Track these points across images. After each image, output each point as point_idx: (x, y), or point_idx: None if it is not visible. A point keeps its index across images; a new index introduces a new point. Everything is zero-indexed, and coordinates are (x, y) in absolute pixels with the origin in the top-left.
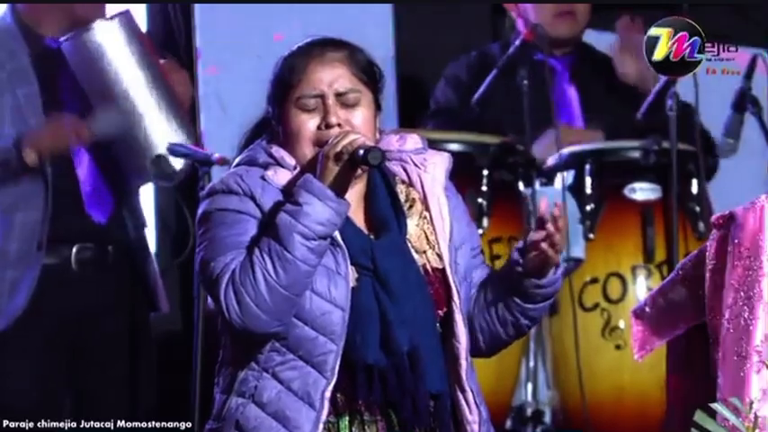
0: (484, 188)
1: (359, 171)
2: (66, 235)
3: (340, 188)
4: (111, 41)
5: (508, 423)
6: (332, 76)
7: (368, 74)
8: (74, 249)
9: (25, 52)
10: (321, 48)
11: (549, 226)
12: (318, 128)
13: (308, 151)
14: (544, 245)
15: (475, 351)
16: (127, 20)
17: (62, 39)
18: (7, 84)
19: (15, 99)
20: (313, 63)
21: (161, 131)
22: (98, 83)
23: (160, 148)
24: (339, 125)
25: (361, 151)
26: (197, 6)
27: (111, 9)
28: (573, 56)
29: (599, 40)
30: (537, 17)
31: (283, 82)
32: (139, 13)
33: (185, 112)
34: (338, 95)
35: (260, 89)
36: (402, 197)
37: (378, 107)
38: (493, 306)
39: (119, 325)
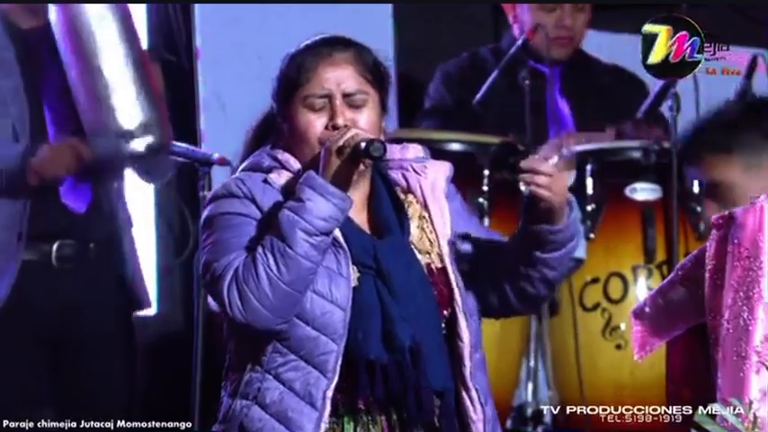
0: (485, 188)
1: (361, 166)
2: (47, 230)
3: (342, 184)
4: (101, 18)
5: (508, 423)
6: (340, 77)
7: (375, 74)
8: (54, 246)
9: (9, 48)
10: (329, 47)
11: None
12: (326, 128)
13: (314, 150)
14: (539, 190)
15: (508, 310)
16: (121, 7)
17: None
18: None
19: None
20: (322, 63)
21: (133, 114)
22: (78, 53)
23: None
24: (346, 126)
25: (363, 144)
26: (197, 6)
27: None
28: (565, 64)
29: (599, 40)
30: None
31: (290, 80)
32: (139, 13)
33: (161, 100)
34: (345, 96)
35: (260, 89)
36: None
37: (383, 108)
38: (516, 266)
39: (99, 322)
